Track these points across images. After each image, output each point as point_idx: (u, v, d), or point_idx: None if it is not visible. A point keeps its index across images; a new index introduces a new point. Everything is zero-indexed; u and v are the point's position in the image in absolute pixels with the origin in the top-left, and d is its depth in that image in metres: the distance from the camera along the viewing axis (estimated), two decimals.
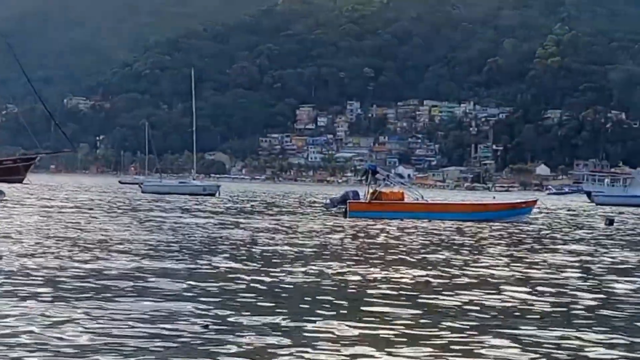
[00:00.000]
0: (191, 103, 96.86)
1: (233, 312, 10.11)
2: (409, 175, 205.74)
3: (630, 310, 11.52)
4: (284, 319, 9.70)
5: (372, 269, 15.47)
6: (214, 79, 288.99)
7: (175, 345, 8.24)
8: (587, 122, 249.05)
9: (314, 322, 9.57)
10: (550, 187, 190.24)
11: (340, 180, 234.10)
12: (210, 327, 9.07)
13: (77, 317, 9.51)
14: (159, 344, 8.23)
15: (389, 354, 8.07)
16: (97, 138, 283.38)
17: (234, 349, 8.10)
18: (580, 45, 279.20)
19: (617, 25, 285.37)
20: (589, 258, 19.81)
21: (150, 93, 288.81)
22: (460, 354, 8.13)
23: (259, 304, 10.95)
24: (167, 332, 8.79)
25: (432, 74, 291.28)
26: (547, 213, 52.13)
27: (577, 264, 18.13)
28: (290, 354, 7.93)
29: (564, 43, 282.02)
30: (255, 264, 15.91)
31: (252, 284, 12.93)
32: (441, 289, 12.89)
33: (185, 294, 11.67)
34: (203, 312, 10.07)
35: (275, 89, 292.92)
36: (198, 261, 16.17)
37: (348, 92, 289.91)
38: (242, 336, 8.63)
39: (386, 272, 14.93)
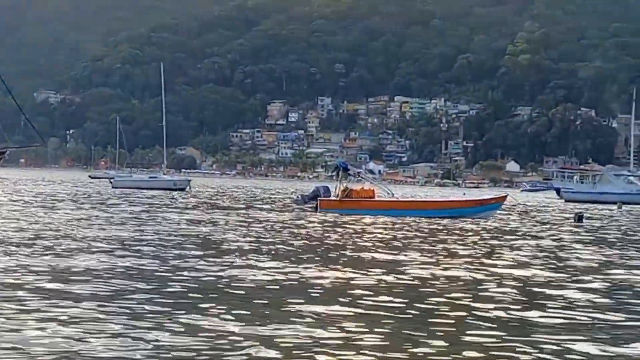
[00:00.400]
0: (162, 98, 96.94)
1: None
2: (379, 171, 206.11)
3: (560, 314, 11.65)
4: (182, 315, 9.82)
5: (304, 267, 15.25)
6: (186, 74, 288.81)
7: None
8: (556, 119, 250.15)
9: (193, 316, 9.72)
10: (524, 183, 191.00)
11: (311, 176, 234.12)
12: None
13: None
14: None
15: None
16: (68, 132, 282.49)
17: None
18: (551, 43, 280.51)
19: (587, 22, 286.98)
20: (553, 255, 20.01)
21: (121, 87, 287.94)
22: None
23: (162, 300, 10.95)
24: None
25: (403, 70, 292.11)
26: (515, 208, 52.55)
27: (539, 261, 18.31)
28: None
29: (534, 40, 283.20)
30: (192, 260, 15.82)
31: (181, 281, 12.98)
32: (366, 289, 12.62)
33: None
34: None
35: (246, 85, 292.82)
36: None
37: (319, 88, 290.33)
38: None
39: (313, 271, 14.62)
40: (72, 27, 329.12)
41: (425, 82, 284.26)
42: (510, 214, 45.11)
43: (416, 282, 13.88)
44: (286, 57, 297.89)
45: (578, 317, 10.76)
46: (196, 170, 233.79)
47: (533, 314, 10.77)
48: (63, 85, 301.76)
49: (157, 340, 8.41)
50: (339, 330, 9.16)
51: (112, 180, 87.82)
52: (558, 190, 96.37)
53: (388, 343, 8.71)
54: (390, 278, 14.08)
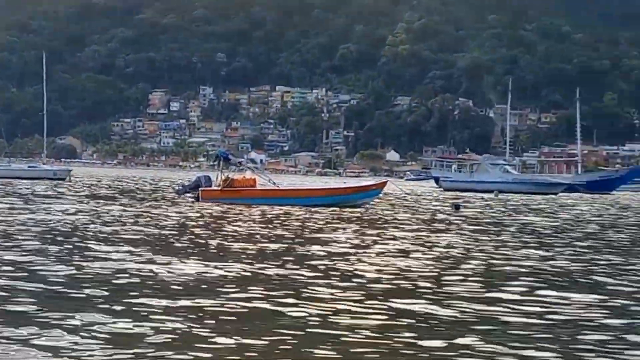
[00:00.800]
0: (42, 86, 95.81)
1: None
2: (261, 161, 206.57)
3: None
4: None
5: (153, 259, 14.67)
6: (65, 62, 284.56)
7: None
8: (435, 109, 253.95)
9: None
10: (408, 172, 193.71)
11: (192, 165, 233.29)
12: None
13: None
14: None
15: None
16: None
17: None
18: (430, 33, 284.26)
19: (465, 13, 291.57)
20: (430, 244, 20.48)
21: None
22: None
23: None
24: None
25: (285, 59, 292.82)
26: (397, 196, 53.40)
27: (415, 250, 18.77)
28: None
29: (413, 30, 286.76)
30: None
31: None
32: (209, 283, 12.13)
33: None
34: None
35: (127, 73, 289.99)
36: None
37: (201, 77, 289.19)
38: None
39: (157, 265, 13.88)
40: None
41: (306, 72, 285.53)
42: (389, 202, 45.82)
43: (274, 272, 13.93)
44: (167, 46, 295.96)
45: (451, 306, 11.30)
46: (77, 160, 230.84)
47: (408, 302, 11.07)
48: None
49: None
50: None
51: None
52: (437, 180, 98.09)
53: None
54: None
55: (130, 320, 8.97)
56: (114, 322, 8.88)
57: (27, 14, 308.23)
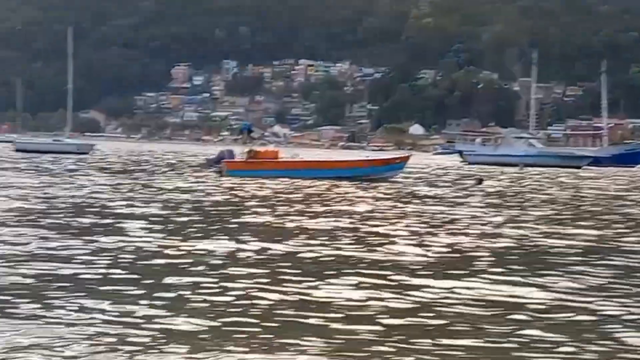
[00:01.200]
0: (67, 61, 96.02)
1: None
2: (284, 135, 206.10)
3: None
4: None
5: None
6: (90, 37, 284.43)
7: None
8: (459, 82, 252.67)
9: None
10: (437, 146, 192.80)
11: (216, 140, 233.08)
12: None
13: None
14: None
15: None
16: None
17: None
18: (454, 6, 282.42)
19: None
20: (450, 218, 20.32)
21: (23, 50, 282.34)
22: None
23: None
24: None
25: (308, 33, 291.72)
26: (422, 170, 53.27)
27: (439, 225, 18.63)
28: None
29: (438, 4, 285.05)
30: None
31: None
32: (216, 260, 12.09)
33: None
34: None
35: (150, 47, 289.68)
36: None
37: (224, 51, 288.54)
38: None
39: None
40: None
41: (330, 45, 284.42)
42: (413, 177, 45.66)
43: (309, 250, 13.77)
44: (190, 20, 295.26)
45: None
46: (100, 134, 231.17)
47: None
48: None
49: None
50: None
51: (14, 142, 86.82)
52: (461, 153, 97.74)
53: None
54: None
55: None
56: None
57: None
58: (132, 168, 46.55)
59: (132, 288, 9.47)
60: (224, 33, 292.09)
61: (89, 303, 8.56)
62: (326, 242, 13.98)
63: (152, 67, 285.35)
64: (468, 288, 9.91)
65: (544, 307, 8.93)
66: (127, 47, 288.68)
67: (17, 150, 77.67)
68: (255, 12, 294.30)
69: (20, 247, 12.32)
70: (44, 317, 7.90)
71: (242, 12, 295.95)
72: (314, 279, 10.23)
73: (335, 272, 10.80)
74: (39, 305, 8.35)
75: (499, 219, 19.81)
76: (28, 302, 8.47)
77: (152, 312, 8.20)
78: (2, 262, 10.90)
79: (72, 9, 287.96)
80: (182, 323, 7.86)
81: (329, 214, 19.51)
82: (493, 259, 12.49)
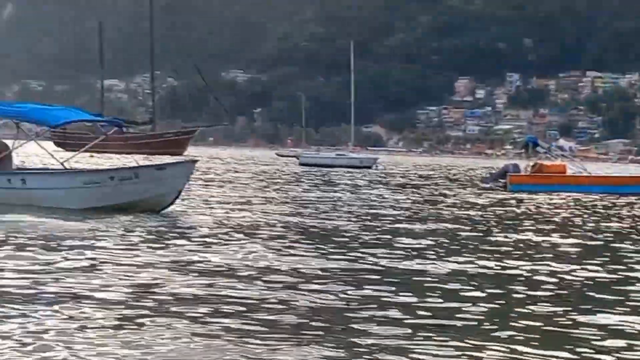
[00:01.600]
0: (348, 76, 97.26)
1: None
2: (570, 148, 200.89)
3: None
4: None
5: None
6: (371, 51, 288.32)
7: None
8: None
9: None
10: None
11: (498, 153, 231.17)
12: None
13: None
14: None
15: None
16: (254, 111, 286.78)
17: None
18: None
19: None
20: None
21: (306, 66, 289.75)
22: None
23: None
24: None
25: (595, 44, 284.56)
26: None
27: None
28: None
29: None
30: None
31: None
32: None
33: None
34: None
35: (432, 61, 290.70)
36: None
37: (507, 64, 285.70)
38: None
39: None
40: (257, 7, 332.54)
41: (618, 56, 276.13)
42: None
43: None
44: (472, 32, 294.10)
45: None
46: (382, 148, 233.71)
47: None
48: (249, 64, 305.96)
49: None
50: None
51: (299, 157, 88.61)
52: None
53: None
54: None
55: None
56: None
57: (335, 5, 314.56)
58: (416, 182, 45.82)
59: None
60: (506, 45, 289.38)
61: None
62: None
63: (433, 81, 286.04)
64: None
65: None
66: (409, 61, 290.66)
67: (301, 164, 79.01)
68: (539, 23, 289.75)
69: None
70: None
71: (525, 23, 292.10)
72: None
73: None
74: None
75: None
76: None
77: None
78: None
79: (354, 24, 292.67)
80: None
81: None
82: None
